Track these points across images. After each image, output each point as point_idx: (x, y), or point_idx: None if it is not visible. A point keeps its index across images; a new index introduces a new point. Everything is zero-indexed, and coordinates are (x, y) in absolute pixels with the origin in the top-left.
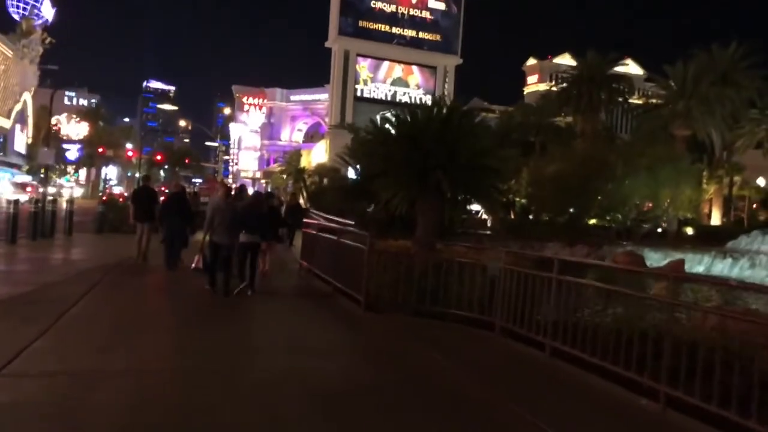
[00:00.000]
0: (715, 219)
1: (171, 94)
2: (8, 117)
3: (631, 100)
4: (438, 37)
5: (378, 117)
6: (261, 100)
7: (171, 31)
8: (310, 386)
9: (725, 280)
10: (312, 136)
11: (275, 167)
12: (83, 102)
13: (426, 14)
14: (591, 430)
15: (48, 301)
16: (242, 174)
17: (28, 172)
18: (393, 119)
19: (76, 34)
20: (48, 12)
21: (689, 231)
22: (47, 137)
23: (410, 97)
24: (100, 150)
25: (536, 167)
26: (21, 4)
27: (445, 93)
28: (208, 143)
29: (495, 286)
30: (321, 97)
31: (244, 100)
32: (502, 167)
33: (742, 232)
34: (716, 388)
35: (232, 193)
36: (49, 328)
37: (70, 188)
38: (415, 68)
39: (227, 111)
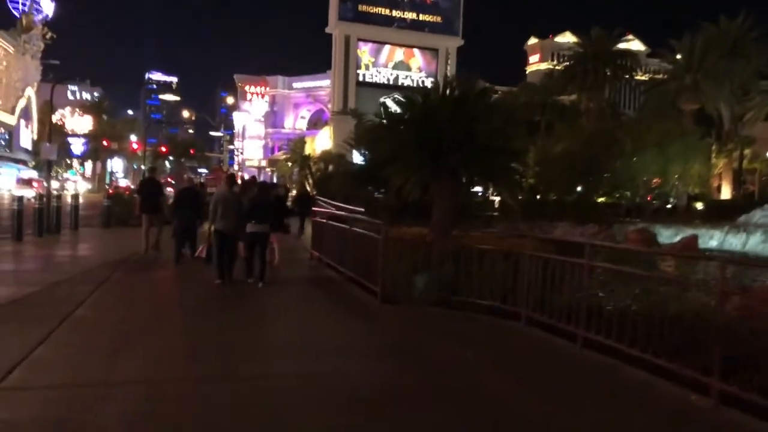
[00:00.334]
0: (725, 193)
1: (173, 86)
2: (13, 113)
3: (628, 77)
4: (439, 19)
5: (387, 100)
6: (263, 89)
7: (171, 21)
8: (331, 393)
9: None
10: (315, 122)
11: (280, 155)
12: (86, 96)
13: None
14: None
15: (52, 303)
16: (247, 163)
17: (35, 168)
18: (404, 101)
19: (77, 28)
20: (48, 7)
21: (699, 206)
22: (50, 132)
23: (412, 81)
24: (105, 143)
25: (543, 147)
26: (21, 0)
27: (448, 75)
28: (212, 133)
29: (519, 273)
30: (323, 84)
31: (247, 88)
32: (520, 148)
33: (753, 206)
34: None
35: (238, 182)
36: (52, 333)
37: (74, 182)
38: (416, 51)
39: (230, 100)
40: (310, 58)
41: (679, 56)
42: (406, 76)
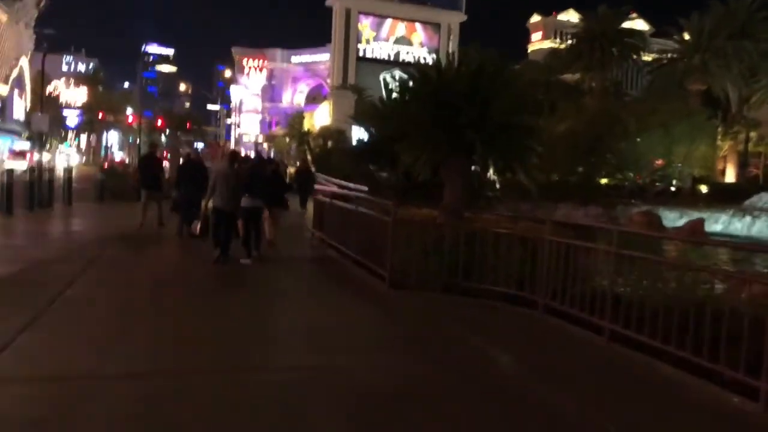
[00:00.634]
0: (730, 176)
1: (170, 58)
2: (6, 83)
3: (636, 57)
4: None
5: (387, 76)
6: (261, 62)
7: None
8: (340, 387)
9: None
10: (314, 97)
11: (278, 130)
12: (81, 67)
13: None
14: None
15: (39, 282)
16: (245, 138)
17: (28, 139)
18: (417, 75)
19: None
20: None
21: (704, 189)
22: (40, 101)
23: (414, 57)
24: (100, 115)
25: (546, 126)
26: None
27: (450, 51)
28: (209, 106)
29: (538, 259)
30: (323, 58)
31: (245, 62)
32: (536, 126)
33: (758, 189)
34: None
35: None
36: (38, 318)
37: (66, 155)
38: (418, 26)
39: (228, 74)
40: (310, 31)
41: (686, 36)
42: (408, 52)
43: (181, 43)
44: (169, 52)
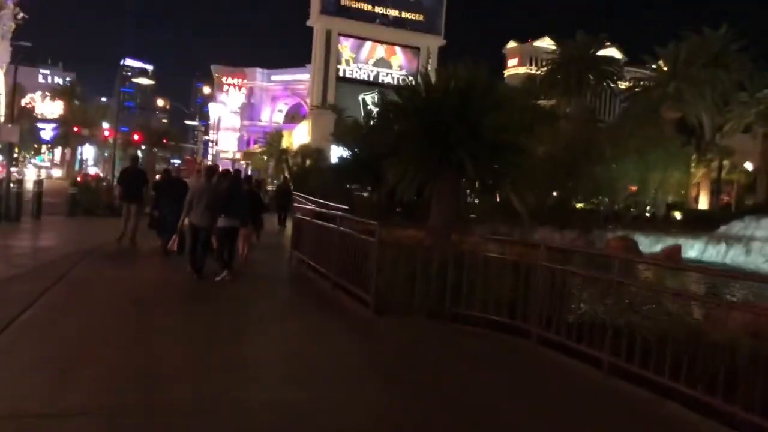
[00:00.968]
0: (703, 203)
1: (149, 73)
2: None
3: (613, 84)
4: (421, 17)
5: (366, 97)
6: (241, 80)
7: (149, 8)
8: (320, 428)
9: None
10: (293, 116)
11: (256, 148)
12: (59, 80)
13: None
14: None
15: None
16: (222, 155)
17: (0, 152)
18: (406, 91)
19: (50, 10)
20: None
21: (677, 215)
22: (12, 114)
23: (393, 78)
24: (75, 129)
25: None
26: None
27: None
28: (187, 122)
29: (531, 286)
30: (302, 78)
31: (224, 80)
32: (527, 145)
33: (730, 217)
34: None
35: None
36: None
37: (36, 168)
38: (398, 49)
39: (206, 90)
40: (290, 51)
41: (661, 63)
42: (387, 74)
43: (161, 60)
44: (149, 67)
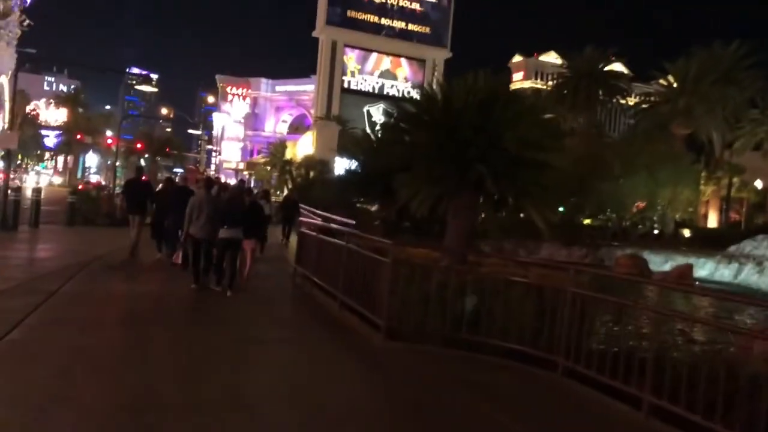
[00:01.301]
0: (712, 221)
1: (153, 81)
2: None
3: (622, 100)
4: (427, 30)
5: (371, 109)
6: (245, 90)
7: (154, 18)
8: None
9: None
10: (297, 127)
11: (259, 158)
12: (63, 87)
13: (416, 6)
14: None
15: None
16: (225, 165)
17: (2, 159)
18: (421, 103)
19: (56, 18)
20: None
21: (686, 233)
22: (12, 119)
23: (398, 90)
24: (79, 136)
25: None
26: None
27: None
28: (190, 131)
29: (558, 314)
30: (307, 88)
31: (228, 89)
32: (553, 162)
33: (740, 235)
34: None
35: (215, 186)
36: None
37: (36, 175)
38: (403, 60)
39: (210, 100)
40: (295, 62)
41: (671, 78)
42: (392, 86)
43: (166, 69)
44: (153, 75)
